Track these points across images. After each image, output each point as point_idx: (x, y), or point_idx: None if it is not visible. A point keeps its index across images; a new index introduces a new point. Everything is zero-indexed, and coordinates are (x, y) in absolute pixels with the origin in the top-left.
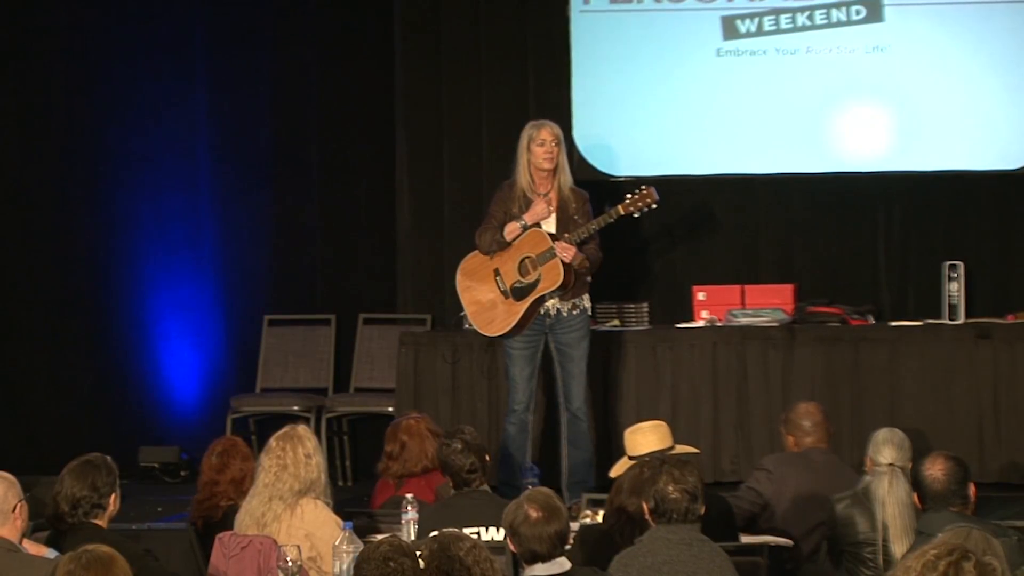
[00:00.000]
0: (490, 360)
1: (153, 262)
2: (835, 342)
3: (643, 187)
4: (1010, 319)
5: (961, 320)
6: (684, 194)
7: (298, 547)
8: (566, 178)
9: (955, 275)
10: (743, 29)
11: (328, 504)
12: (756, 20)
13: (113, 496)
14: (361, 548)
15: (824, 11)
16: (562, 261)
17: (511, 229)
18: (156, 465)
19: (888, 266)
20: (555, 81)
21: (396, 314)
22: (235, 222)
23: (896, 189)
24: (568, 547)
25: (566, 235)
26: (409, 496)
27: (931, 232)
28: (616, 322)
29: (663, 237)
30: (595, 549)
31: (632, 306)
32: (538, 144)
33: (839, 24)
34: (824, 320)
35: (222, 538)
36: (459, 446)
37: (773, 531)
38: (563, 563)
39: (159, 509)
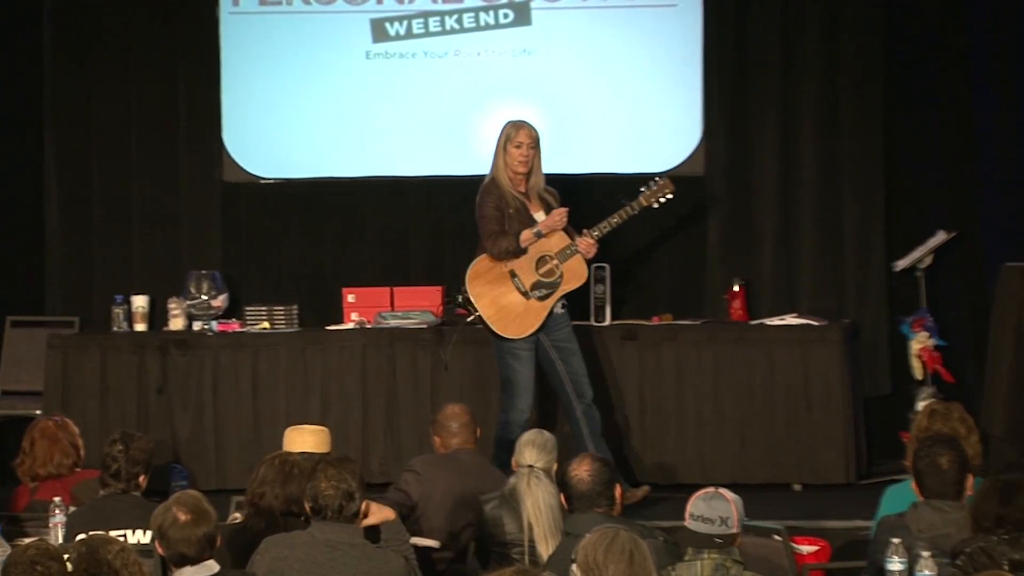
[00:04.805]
0: (139, 363)
1: None
2: (484, 344)
3: (659, 178)
4: (655, 321)
5: (608, 322)
6: (334, 196)
7: None
8: (540, 180)
9: (602, 276)
10: (392, 32)
11: None
12: (405, 23)
13: None
14: (8, 552)
15: (472, 15)
16: (584, 258)
17: (526, 237)
18: None
19: None
20: (205, 83)
21: (44, 316)
22: None
23: None
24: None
25: (586, 230)
26: (57, 499)
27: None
28: (266, 324)
29: (313, 239)
30: (242, 549)
31: (282, 308)
32: (515, 146)
33: (487, 27)
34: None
35: None
36: (120, 448)
37: (422, 532)
38: (211, 566)
39: None
